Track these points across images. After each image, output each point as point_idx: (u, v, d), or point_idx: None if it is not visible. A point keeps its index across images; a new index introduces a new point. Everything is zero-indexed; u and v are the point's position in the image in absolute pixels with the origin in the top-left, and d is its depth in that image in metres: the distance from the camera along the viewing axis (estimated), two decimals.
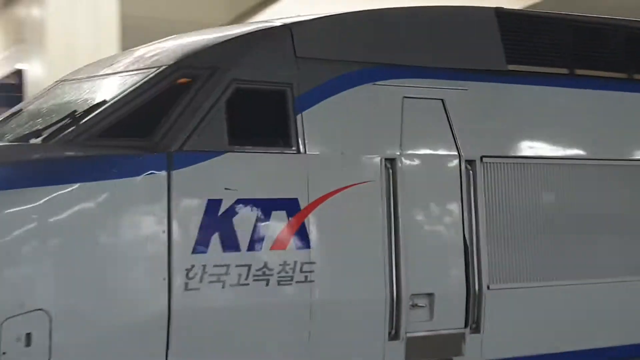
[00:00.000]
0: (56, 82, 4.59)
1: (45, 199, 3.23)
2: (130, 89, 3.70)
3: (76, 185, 3.28)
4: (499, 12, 4.66)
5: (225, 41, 4.05)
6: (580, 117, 4.69)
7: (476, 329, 4.16)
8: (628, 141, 4.79)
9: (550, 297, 4.39)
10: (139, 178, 3.39)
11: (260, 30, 4.20)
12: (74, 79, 4.54)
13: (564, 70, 4.75)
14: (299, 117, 3.80)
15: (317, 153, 3.85)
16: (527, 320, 4.33)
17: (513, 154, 4.43)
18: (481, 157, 4.27)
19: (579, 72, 4.77)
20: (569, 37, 4.87)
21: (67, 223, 3.30)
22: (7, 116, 4.35)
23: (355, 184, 3.87)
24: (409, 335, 3.98)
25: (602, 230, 4.59)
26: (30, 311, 3.14)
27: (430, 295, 4.05)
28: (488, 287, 4.19)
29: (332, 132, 3.98)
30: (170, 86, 3.69)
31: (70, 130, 3.58)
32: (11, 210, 3.18)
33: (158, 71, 3.76)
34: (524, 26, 4.79)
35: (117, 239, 3.40)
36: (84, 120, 3.60)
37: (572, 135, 4.67)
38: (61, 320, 3.19)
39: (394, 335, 3.94)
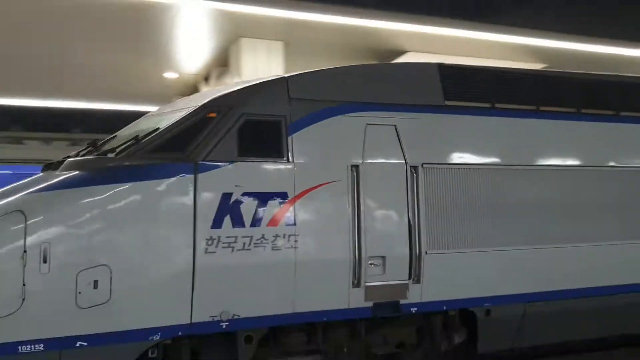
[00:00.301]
0: (143, 117, 6.17)
1: (109, 192, 4.75)
2: (175, 121, 5.24)
3: (130, 184, 4.80)
4: (440, 65, 6.29)
5: (241, 88, 5.63)
6: (495, 136, 6.26)
7: (417, 281, 5.65)
8: (526, 153, 6.35)
9: (469, 260, 5.89)
10: (174, 179, 4.91)
11: (266, 80, 5.77)
12: (151, 114, 6.18)
13: (487, 105, 6.30)
14: (289, 138, 5.34)
15: (302, 162, 5.34)
16: (452, 275, 5.83)
17: (445, 162, 5.94)
18: (422, 164, 5.77)
19: (497, 105, 6.34)
20: (491, 81, 6.51)
21: (124, 208, 4.78)
22: (108, 139, 5.76)
23: (329, 182, 5.39)
24: (367, 284, 5.45)
25: (505, 212, 6.07)
26: (97, 266, 4.62)
27: (383, 257, 5.53)
28: (426, 252, 5.67)
29: (313, 148, 5.42)
30: (200, 119, 5.22)
31: (133, 147, 5.07)
32: (86, 200, 4.69)
33: (194, 109, 5.32)
34: (459, 74, 6.35)
35: (159, 218, 4.84)
36: (143, 141, 5.11)
37: (488, 149, 6.19)
38: (118, 271, 4.66)
39: (356, 284, 5.41)
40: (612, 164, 6.72)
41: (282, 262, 5.16)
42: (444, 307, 5.90)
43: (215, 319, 5.00)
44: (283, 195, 5.24)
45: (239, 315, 5.07)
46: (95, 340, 4.65)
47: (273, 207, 5.19)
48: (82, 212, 4.69)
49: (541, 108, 6.53)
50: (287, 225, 5.20)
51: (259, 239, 5.11)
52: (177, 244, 4.88)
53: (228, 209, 5.04)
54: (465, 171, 6.02)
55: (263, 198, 5.18)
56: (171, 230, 4.89)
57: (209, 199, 5.01)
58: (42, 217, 4.60)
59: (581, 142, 6.63)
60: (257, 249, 5.08)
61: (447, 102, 6.13)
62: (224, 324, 5.02)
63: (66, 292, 4.56)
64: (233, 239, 5.01)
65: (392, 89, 6.00)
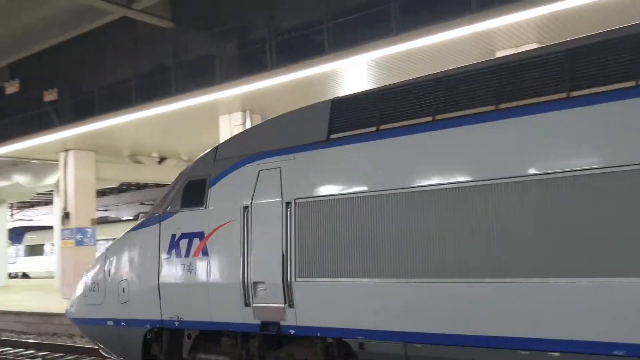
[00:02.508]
0: None
1: (128, 236, 7.87)
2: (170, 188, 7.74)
3: (137, 230, 7.71)
4: (332, 101, 6.33)
5: (196, 159, 7.69)
6: (370, 162, 5.76)
7: (292, 306, 6.08)
8: (406, 174, 5.49)
9: (340, 289, 5.76)
10: (153, 226, 7.50)
11: (210, 149, 7.45)
12: None
13: (371, 129, 5.83)
14: (209, 190, 6.97)
15: (213, 208, 6.89)
16: (324, 303, 5.89)
17: (315, 195, 6.01)
18: (295, 199, 6.13)
19: (382, 127, 5.76)
20: (374, 103, 5.99)
21: (132, 245, 7.71)
22: None
23: (228, 222, 6.67)
24: (254, 305, 6.40)
25: (380, 241, 5.52)
26: (124, 279, 7.63)
27: (264, 283, 6.29)
28: (295, 280, 6.05)
29: (221, 196, 6.86)
30: (174, 183, 7.59)
31: (154, 205, 7.96)
32: (121, 241, 7.94)
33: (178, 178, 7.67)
34: (345, 104, 6.25)
35: (146, 251, 7.49)
36: (155, 204, 7.98)
37: (362, 176, 5.77)
38: (130, 283, 7.58)
39: (247, 304, 6.47)
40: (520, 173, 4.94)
41: (200, 283, 6.91)
42: (318, 334, 6.02)
43: (172, 318, 7.17)
44: (201, 234, 6.96)
45: (182, 319, 7.10)
46: (127, 322, 7.58)
47: (195, 243, 7.00)
48: (118, 247, 7.96)
49: (437, 117, 5.49)
50: (203, 255, 6.89)
51: (189, 265, 7.02)
52: (152, 268, 7.37)
53: (174, 244, 7.21)
54: (334, 202, 5.91)
55: (191, 236, 7.07)
56: (150, 259, 7.42)
57: (165, 237, 7.31)
58: (108, 251, 8.09)
59: (475, 150, 5.20)
60: (188, 272, 7.02)
61: (332, 136, 6.15)
62: (176, 323, 7.16)
63: (116, 293, 7.68)
64: (176, 265, 7.18)
65: (281, 135, 6.64)
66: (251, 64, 13.23)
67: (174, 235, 7.14)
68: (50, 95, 16.71)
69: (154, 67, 15.35)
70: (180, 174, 7.56)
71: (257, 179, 6.53)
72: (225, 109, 14.72)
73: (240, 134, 7.52)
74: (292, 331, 6.15)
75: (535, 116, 4.87)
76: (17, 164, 24.01)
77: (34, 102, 17.55)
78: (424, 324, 5.27)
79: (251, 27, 13.88)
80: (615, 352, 4.27)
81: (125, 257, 7.70)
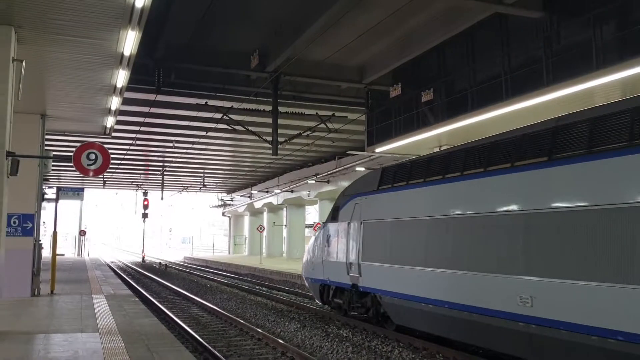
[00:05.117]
0: None
1: (317, 232, 15.28)
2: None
3: (320, 230, 15.09)
4: (383, 168, 12.55)
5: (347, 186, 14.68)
6: (396, 204, 11.31)
7: (361, 275, 12.05)
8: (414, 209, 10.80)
9: (378, 268, 11.47)
10: (323, 229, 14.62)
11: (343, 189, 14.47)
12: None
13: (389, 185, 11.71)
14: (339, 212, 13.65)
15: (341, 221, 13.38)
16: (371, 275, 11.69)
17: (372, 219, 12.00)
18: (363, 220, 12.28)
19: (395, 184, 11.59)
20: (393, 170, 11.93)
21: (317, 237, 15.03)
22: None
23: (344, 229, 13.18)
24: (350, 274, 12.61)
25: (399, 244, 10.94)
26: (312, 256, 15.13)
27: (352, 262, 12.51)
28: (362, 261, 12.05)
29: (344, 215, 13.24)
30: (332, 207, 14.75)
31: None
32: (316, 235, 15.42)
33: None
34: (385, 171, 12.30)
35: (319, 242, 14.55)
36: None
37: (394, 210, 11.30)
38: (314, 258, 14.89)
39: (347, 274, 12.64)
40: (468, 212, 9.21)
41: (334, 261, 13.53)
42: (369, 292, 11.92)
43: (327, 279, 13.83)
44: (336, 236, 13.41)
45: (330, 279, 13.58)
46: (314, 280, 14.80)
47: (334, 240, 13.57)
48: (313, 238, 15.34)
49: (410, 182, 10.98)
50: (336, 247, 13.47)
51: (331, 251, 13.64)
52: (321, 250, 14.27)
53: (327, 239, 13.92)
54: (376, 223, 11.74)
55: (332, 236, 13.63)
56: (320, 246, 14.23)
57: (325, 235, 14.10)
58: (312, 239, 15.53)
59: (455, 198, 9.50)
60: (331, 255, 13.66)
61: (379, 187, 12.05)
62: (328, 282, 13.74)
63: (311, 263, 15.03)
64: (328, 252, 13.90)
65: (364, 185, 12.90)
66: (634, 45, 12.05)
67: (328, 235, 13.84)
68: (427, 96, 18.30)
69: (524, 60, 15.35)
70: (334, 203, 14.08)
71: (353, 208, 12.72)
72: (603, 97, 13.75)
73: (353, 182, 13.95)
74: (361, 288, 12.09)
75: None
76: (398, 159, 26.97)
77: (412, 103, 19.49)
78: (405, 289, 10.38)
79: (633, 6, 12.63)
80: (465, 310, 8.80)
81: (313, 244, 14.80)
